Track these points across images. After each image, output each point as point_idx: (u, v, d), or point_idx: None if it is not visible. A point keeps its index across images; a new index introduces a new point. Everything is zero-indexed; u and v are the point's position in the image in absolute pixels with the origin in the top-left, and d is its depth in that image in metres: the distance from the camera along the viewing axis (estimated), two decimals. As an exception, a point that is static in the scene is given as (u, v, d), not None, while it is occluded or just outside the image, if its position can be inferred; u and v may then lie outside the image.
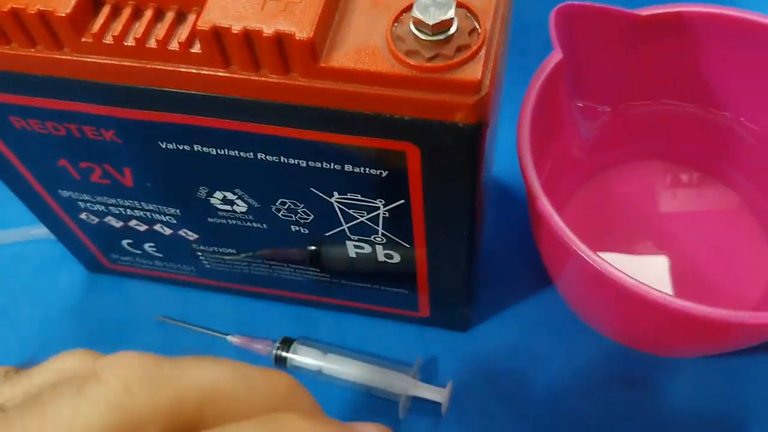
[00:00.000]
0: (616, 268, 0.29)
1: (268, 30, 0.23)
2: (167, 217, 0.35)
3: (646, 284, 0.28)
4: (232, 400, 0.18)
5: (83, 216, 0.36)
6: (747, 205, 0.41)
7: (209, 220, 0.34)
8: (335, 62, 0.24)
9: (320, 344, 0.39)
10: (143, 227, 0.36)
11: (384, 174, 0.28)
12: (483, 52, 0.24)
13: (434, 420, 0.37)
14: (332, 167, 0.28)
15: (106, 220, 0.36)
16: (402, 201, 0.29)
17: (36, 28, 0.25)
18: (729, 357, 0.38)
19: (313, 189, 0.30)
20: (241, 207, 0.32)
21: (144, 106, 0.27)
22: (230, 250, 0.36)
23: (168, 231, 0.36)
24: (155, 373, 0.18)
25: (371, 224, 0.31)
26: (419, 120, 0.25)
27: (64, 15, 0.24)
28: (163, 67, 0.25)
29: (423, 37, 0.23)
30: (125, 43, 0.25)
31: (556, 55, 0.35)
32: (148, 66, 0.25)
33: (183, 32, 0.25)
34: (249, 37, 0.23)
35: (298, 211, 0.31)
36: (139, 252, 0.39)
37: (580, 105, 0.40)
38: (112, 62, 0.25)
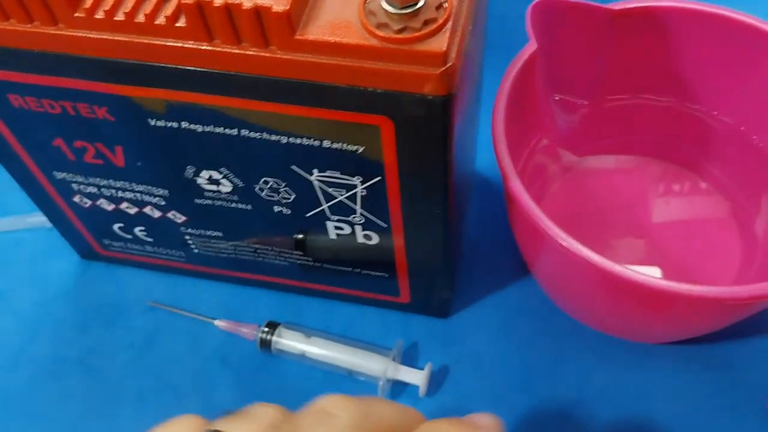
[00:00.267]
0: (583, 246, 0.30)
1: (247, 3, 0.25)
2: (156, 198, 0.36)
3: (609, 261, 0.29)
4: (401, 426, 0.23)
5: (77, 199, 0.38)
6: (720, 195, 0.42)
7: (196, 201, 0.35)
8: (311, 35, 0.25)
9: (305, 329, 0.40)
10: (134, 210, 0.37)
11: (360, 150, 0.29)
12: (449, 25, 0.25)
13: (413, 402, 0.38)
14: (311, 144, 0.29)
15: (98, 203, 0.38)
16: (378, 178, 0.31)
17: (33, 3, 0.26)
18: (704, 344, 0.39)
19: (293, 167, 0.31)
20: (226, 187, 0.34)
21: (134, 82, 0.29)
22: (217, 233, 0.38)
23: (157, 213, 0.37)
24: (368, 411, 0.22)
25: (350, 203, 0.33)
26: (391, 92, 0.26)
27: (58, -9, 0.26)
28: (150, 41, 0.27)
29: (392, 11, 0.25)
30: (115, 18, 0.26)
31: (531, 46, 0.36)
32: (137, 40, 0.27)
33: (169, 7, 0.26)
34: (229, 10, 0.25)
35: (280, 190, 0.33)
36: (130, 237, 0.40)
37: (558, 98, 0.41)
38: (103, 37, 0.27)
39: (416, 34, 0.25)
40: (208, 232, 0.38)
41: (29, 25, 0.27)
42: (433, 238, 0.34)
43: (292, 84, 0.27)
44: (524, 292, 0.42)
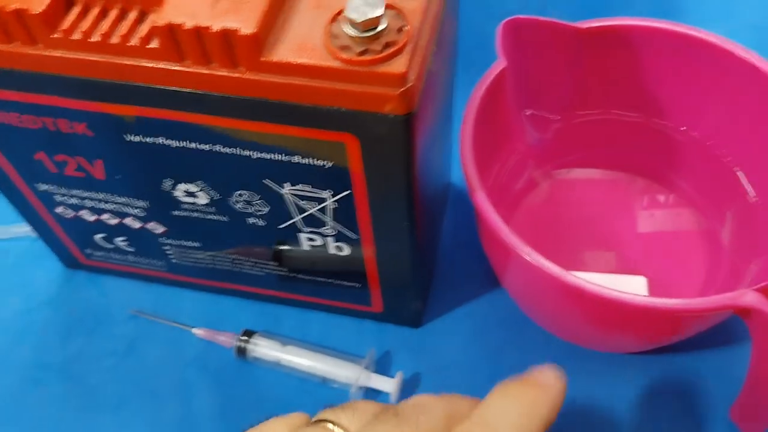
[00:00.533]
0: (541, 256, 0.31)
1: (216, 26, 0.26)
2: (136, 210, 0.37)
3: (568, 271, 0.30)
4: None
5: (60, 210, 0.39)
6: (687, 208, 0.43)
7: (174, 213, 0.36)
8: (277, 57, 0.26)
9: (281, 337, 0.41)
10: (115, 221, 0.39)
11: (329, 165, 0.30)
12: (409, 48, 0.26)
13: (386, 409, 0.39)
14: (282, 159, 0.31)
15: (80, 214, 0.39)
16: (347, 192, 0.32)
17: (13, 24, 0.28)
18: (671, 354, 0.40)
19: (266, 181, 0.32)
20: (202, 199, 0.35)
21: (110, 100, 0.30)
22: (195, 244, 0.39)
23: (137, 224, 0.38)
24: (452, 402, 0.26)
25: (321, 216, 0.34)
26: (354, 111, 0.27)
27: (37, 13, 0.27)
28: (125, 62, 0.28)
29: (354, 34, 0.26)
30: (91, 39, 0.28)
31: (500, 63, 0.37)
32: (112, 60, 0.28)
33: (143, 29, 0.27)
34: (199, 33, 0.26)
35: (254, 203, 0.34)
36: (111, 247, 0.41)
37: (529, 113, 0.42)
38: (80, 57, 0.28)
39: (377, 56, 0.26)
40: (187, 243, 0.39)
41: (9, 45, 0.28)
42: (401, 250, 0.35)
43: (260, 103, 0.28)
44: (496, 303, 0.43)
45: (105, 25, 0.28)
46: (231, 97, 0.28)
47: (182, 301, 0.44)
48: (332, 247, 0.36)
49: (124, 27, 0.27)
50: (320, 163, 0.30)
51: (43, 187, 0.37)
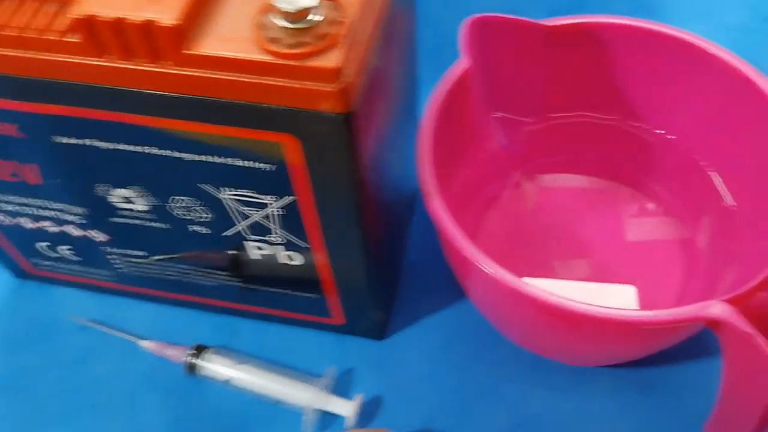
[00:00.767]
0: (496, 264, 0.29)
1: (136, 17, 0.24)
2: (75, 217, 0.35)
3: (523, 281, 0.28)
4: None
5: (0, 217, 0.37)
6: (664, 213, 0.41)
7: (114, 220, 0.34)
8: (202, 49, 0.24)
9: (235, 353, 0.39)
10: (55, 228, 0.36)
11: (269, 168, 0.28)
12: (346, 41, 0.24)
13: None
14: (218, 161, 0.29)
15: (19, 221, 0.37)
16: (291, 198, 0.30)
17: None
18: (643, 367, 0.38)
19: (202, 185, 0.30)
20: (140, 206, 0.33)
21: (36, 99, 0.28)
22: (140, 253, 0.37)
23: (78, 232, 0.36)
24: None
25: (266, 223, 0.32)
26: (289, 109, 0.25)
27: (-52, 5, 0.25)
28: (44, 57, 0.26)
29: (285, 25, 0.24)
30: (7, 33, 0.26)
31: (463, 63, 0.35)
32: (30, 56, 0.26)
33: (62, 22, 0.25)
34: (119, 24, 0.24)
35: (194, 209, 0.32)
36: (57, 255, 0.39)
37: (499, 116, 0.40)
38: (-2, 52, 0.26)
39: (308, 49, 0.24)
40: (132, 252, 0.37)
41: None
42: (355, 259, 0.33)
43: (188, 100, 0.26)
44: (463, 314, 0.41)
45: (21, 17, 0.26)
46: (157, 94, 0.26)
47: (136, 313, 0.42)
48: (282, 256, 0.34)
49: (41, 20, 0.26)
50: (259, 166, 0.28)
51: (-20, 193, 0.35)
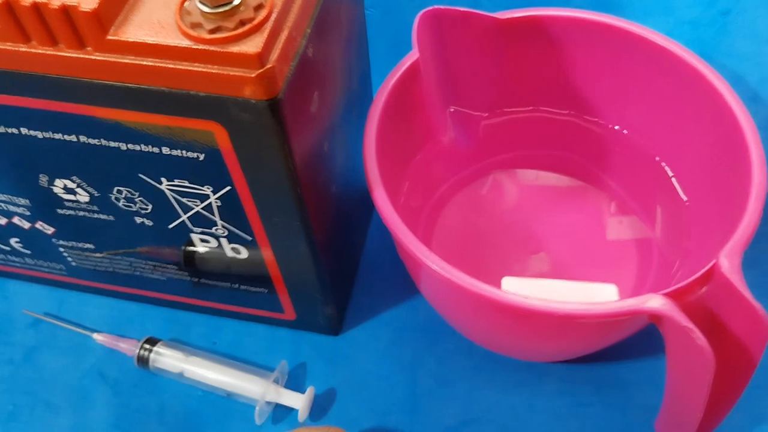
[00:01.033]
0: (434, 255, 0.29)
1: (55, 2, 0.24)
2: (21, 209, 0.35)
3: (462, 274, 0.28)
4: None
5: (-53, 209, 0.37)
6: (618, 208, 0.41)
7: (59, 211, 0.34)
8: (125, 35, 0.24)
9: (187, 347, 0.39)
10: (2, 220, 0.36)
11: (202, 157, 0.28)
12: (268, 26, 0.24)
13: (293, 426, 0.37)
14: (152, 150, 0.28)
15: (-32, 213, 0.36)
16: (228, 188, 0.29)
17: None
18: (595, 363, 0.38)
19: (141, 175, 0.30)
20: (83, 196, 0.32)
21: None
22: (89, 246, 0.36)
23: (26, 224, 0.36)
24: None
25: (208, 214, 0.31)
26: (214, 96, 0.25)
27: None
28: (-32, 43, 0.26)
29: (206, 10, 0.24)
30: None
31: (413, 55, 0.35)
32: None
33: (-13, 8, 0.25)
34: (39, 9, 0.24)
35: (136, 200, 0.32)
36: (8, 248, 0.39)
37: (453, 110, 0.40)
38: None
39: (229, 34, 0.24)
40: (80, 245, 0.37)
41: None
42: (302, 254, 0.33)
43: (114, 87, 0.25)
44: (417, 310, 0.40)
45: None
46: (84, 81, 0.26)
47: (88, 307, 0.42)
48: (228, 249, 0.34)
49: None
50: (193, 155, 0.28)
51: (-74, 184, 0.35)
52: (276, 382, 0.37)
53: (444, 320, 0.39)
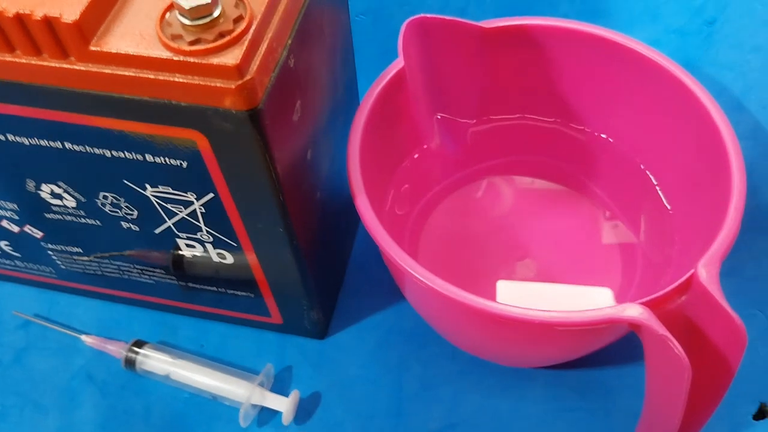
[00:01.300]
0: (415, 263, 0.29)
1: (37, 13, 0.24)
2: (9, 213, 0.35)
3: (442, 282, 0.28)
4: None
5: (-63, 212, 0.37)
6: (604, 216, 0.41)
7: (47, 216, 0.34)
8: (107, 46, 0.24)
9: (174, 350, 0.39)
10: (-8, 224, 0.37)
11: (185, 165, 0.28)
12: (248, 38, 0.24)
13: (278, 430, 0.37)
14: (135, 158, 0.29)
15: (-43, 216, 0.37)
16: (211, 195, 0.30)
17: None
18: (578, 369, 0.38)
19: (125, 182, 0.30)
20: (70, 201, 0.33)
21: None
22: (77, 249, 0.37)
23: (15, 228, 0.36)
24: None
25: (192, 220, 0.32)
26: (195, 106, 0.25)
27: None
28: (-46, 52, 0.26)
29: (186, 22, 0.24)
30: None
31: (398, 63, 0.35)
32: (-58, 50, 0.26)
33: (-28, 18, 0.25)
34: (22, 20, 0.24)
35: (122, 206, 0.32)
36: (-2, 251, 0.39)
37: (440, 117, 0.40)
38: None
39: (209, 46, 0.24)
40: (68, 248, 0.37)
41: None
42: (285, 259, 0.33)
43: (98, 96, 0.26)
44: (403, 315, 0.41)
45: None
46: (67, 89, 0.26)
47: (76, 309, 0.42)
48: (214, 254, 0.34)
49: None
50: (176, 162, 0.28)
51: None
52: (261, 385, 0.37)
53: (429, 326, 0.39)
